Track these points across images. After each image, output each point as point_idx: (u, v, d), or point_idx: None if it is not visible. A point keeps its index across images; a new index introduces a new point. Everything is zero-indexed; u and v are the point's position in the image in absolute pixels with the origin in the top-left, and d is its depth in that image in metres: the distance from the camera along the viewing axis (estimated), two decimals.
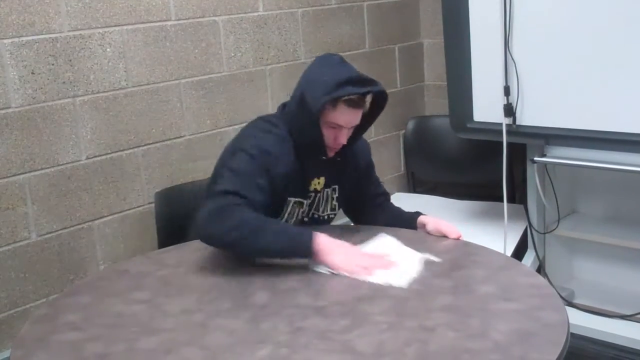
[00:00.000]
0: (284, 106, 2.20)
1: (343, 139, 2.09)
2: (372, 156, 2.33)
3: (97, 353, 1.53)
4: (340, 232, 2.07)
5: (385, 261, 1.90)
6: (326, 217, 2.23)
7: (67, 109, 2.48)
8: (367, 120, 2.14)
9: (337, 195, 2.24)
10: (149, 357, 1.51)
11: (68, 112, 2.48)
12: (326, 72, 2.04)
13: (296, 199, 2.13)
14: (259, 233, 1.88)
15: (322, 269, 1.86)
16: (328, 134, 2.07)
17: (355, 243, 1.98)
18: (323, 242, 1.88)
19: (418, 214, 2.23)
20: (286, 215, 2.13)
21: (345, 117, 2.05)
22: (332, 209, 2.23)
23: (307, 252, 1.87)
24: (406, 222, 2.23)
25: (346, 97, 2.00)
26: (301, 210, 2.16)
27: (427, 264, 1.89)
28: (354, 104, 2.03)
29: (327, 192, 2.21)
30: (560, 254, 3.15)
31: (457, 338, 1.51)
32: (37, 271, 2.46)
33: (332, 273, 1.85)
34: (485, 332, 1.53)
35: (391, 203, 2.36)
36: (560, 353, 1.44)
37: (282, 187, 2.07)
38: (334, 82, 1.99)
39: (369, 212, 2.31)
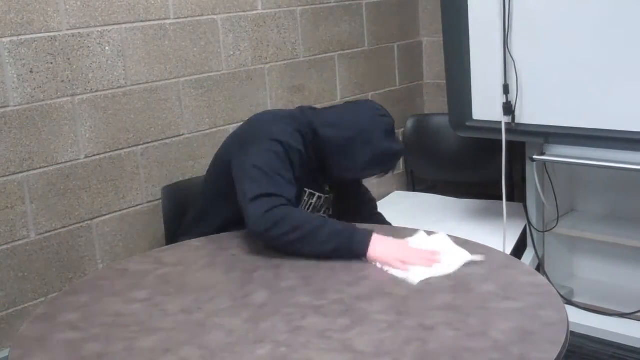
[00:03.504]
0: (309, 110, 2.29)
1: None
2: None
3: (96, 352, 1.53)
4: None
5: (428, 258, 1.88)
6: None
7: (65, 107, 2.48)
8: None
9: (331, 202, 2.32)
10: (148, 356, 1.51)
11: (67, 111, 2.48)
12: (381, 137, 2.16)
13: (313, 192, 2.22)
14: (318, 233, 1.93)
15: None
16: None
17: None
18: (373, 238, 1.92)
19: None
20: (305, 206, 2.22)
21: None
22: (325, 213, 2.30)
23: (363, 251, 1.91)
24: None
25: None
26: (316, 205, 2.24)
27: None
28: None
29: (329, 197, 2.29)
30: (559, 253, 3.15)
31: (457, 337, 1.51)
32: (35, 270, 2.45)
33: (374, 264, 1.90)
34: (485, 331, 1.53)
35: (380, 214, 2.49)
36: (559, 352, 1.44)
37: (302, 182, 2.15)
38: (386, 154, 2.19)
39: (364, 219, 2.33)
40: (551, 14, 2.60)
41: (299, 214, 1.98)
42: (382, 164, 2.21)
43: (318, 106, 3.27)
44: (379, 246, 1.91)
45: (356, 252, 1.91)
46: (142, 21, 2.64)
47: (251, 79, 3.02)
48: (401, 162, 3.77)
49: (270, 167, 2.02)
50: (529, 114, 2.71)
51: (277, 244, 1.96)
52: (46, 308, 1.81)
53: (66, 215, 2.51)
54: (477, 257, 1.88)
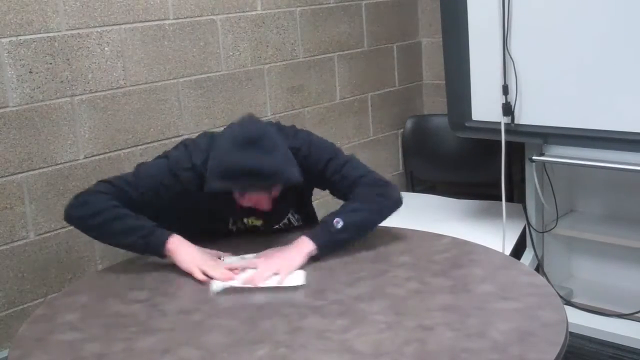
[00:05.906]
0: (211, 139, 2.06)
1: (263, 206, 1.98)
2: (370, 155, 2.29)
3: (95, 353, 1.53)
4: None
5: (224, 272, 1.85)
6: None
7: (65, 108, 2.48)
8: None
9: (297, 216, 2.19)
10: (147, 356, 1.51)
11: (66, 112, 2.48)
12: (227, 151, 1.87)
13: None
14: (114, 223, 1.90)
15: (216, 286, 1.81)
16: (243, 201, 1.97)
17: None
18: (174, 242, 1.90)
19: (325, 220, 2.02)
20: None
21: (246, 201, 1.97)
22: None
23: (159, 251, 1.90)
24: None
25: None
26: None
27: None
28: (248, 191, 1.93)
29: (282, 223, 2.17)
30: (558, 253, 3.15)
31: (456, 337, 1.51)
32: (35, 271, 2.45)
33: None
34: (484, 332, 1.53)
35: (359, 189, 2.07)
36: (559, 352, 1.44)
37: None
38: (222, 170, 1.86)
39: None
40: (551, 14, 2.60)
41: (104, 201, 1.92)
42: (222, 180, 1.87)
43: (311, 108, 3.28)
44: (181, 252, 1.89)
45: (152, 251, 1.92)
46: (141, 22, 2.64)
47: (250, 79, 3.02)
48: (400, 162, 3.77)
49: (143, 173, 2.03)
50: (528, 115, 2.71)
51: (78, 227, 1.97)
52: (45, 308, 1.81)
53: None
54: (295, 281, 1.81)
